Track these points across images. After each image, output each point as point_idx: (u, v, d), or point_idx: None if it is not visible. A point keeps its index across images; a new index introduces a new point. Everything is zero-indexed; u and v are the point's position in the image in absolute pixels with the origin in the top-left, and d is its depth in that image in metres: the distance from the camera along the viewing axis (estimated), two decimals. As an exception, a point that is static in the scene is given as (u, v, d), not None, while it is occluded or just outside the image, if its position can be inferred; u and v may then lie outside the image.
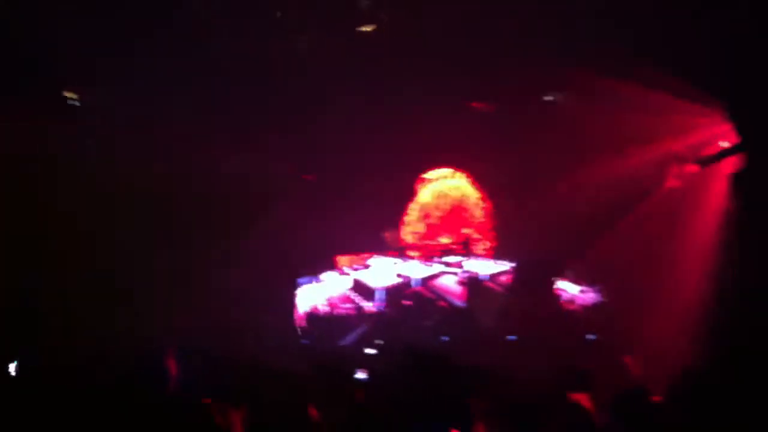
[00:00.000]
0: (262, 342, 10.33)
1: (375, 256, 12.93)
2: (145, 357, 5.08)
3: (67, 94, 10.86)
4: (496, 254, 12.79)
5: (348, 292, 12.39)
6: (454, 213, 13.55)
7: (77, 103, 10.68)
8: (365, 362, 7.89)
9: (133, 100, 10.48)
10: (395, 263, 12.80)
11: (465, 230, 13.32)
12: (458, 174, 13.53)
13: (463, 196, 13.52)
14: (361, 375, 8.90)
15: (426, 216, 13.66)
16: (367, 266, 12.77)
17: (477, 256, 12.89)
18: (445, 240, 13.31)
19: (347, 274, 12.73)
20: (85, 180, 10.43)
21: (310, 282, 12.68)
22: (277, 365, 6.68)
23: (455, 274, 12.20)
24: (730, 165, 9.71)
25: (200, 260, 11.22)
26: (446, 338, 10.24)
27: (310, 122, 11.70)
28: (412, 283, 12.27)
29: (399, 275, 12.49)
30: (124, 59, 9.95)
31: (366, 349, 9.82)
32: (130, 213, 10.53)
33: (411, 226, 13.68)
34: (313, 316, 11.62)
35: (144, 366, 4.82)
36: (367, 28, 9.75)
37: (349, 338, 10.78)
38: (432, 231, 13.59)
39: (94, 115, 10.82)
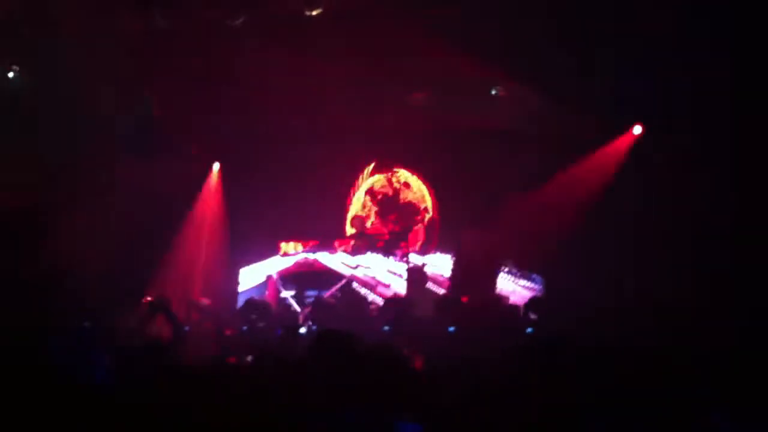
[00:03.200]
0: (202, 328, 10.16)
1: (318, 244, 12.87)
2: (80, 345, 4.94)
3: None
4: (438, 247, 12.84)
5: (289, 280, 12.34)
6: (397, 205, 13.56)
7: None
8: (303, 349, 7.80)
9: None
10: (338, 253, 12.78)
11: (408, 222, 13.34)
12: (402, 168, 13.56)
13: (406, 188, 13.54)
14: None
15: (368, 207, 13.63)
16: (309, 254, 12.72)
17: (419, 248, 12.92)
18: (387, 231, 13.31)
19: (289, 261, 12.67)
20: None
21: (252, 269, 12.61)
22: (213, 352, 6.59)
23: (397, 264, 12.21)
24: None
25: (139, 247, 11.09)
26: (387, 328, 10.20)
27: (250, 110, 11.57)
28: (354, 272, 12.26)
29: (341, 264, 12.49)
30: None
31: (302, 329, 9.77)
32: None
33: (354, 217, 13.65)
34: (251, 302, 11.47)
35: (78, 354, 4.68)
36: (315, 12, 9.58)
37: (286, 326, 10.67)
38: (375, 222, 13.57)
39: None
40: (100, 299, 8.92)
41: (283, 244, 12.91)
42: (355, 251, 12.88)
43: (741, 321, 7.70)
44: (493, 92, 11.55)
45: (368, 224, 13.60)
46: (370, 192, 13.68)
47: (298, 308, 11.45)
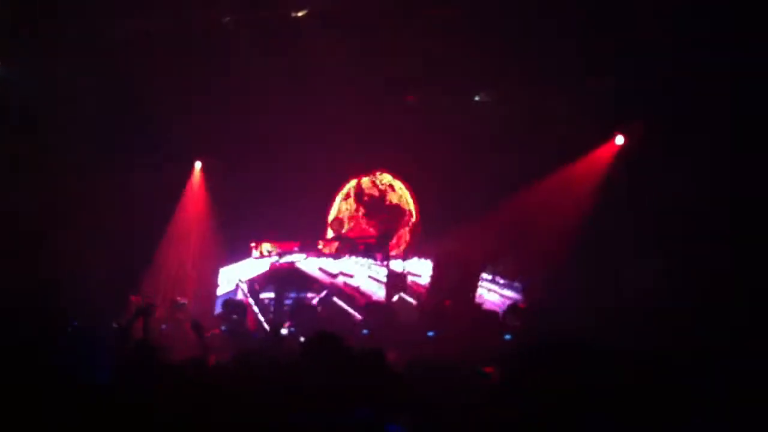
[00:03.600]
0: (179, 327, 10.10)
1: (298, 246, 12.85)
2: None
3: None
4: (418, 251, 12.85)
5: (268, 282, 12.31)
6: (379, 209, 13.57)
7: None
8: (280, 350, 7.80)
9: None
10: (317, 256, 12.78)
11: (388, 227, 13.35)
12: (384, 172, 13.58)
13: (387, 193, 13.55)
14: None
15: (350, 209, 13.63)
16: (288, 256, 12.70)
17: (400, 253, 12.93)
18: (367, 235, 13.31)
19: (269, 262, 12.64)
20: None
21: (232, 269, 12.57)
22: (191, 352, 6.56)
23: (377, 268, 12.22)
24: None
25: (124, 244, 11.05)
26: (366, 332, 10.21)
27: (235, 112, 11.54)
28: (333, 276, 12.26)
29: (320, 269, 12.46)
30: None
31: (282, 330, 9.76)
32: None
33: (333, 219, 13.64)
34: (231, 302, 11.43)
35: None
36: (300, 13, 9.60)
37: (267, 327, 10.64)
38: (355, 226, 13.57)
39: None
40: (97, 300, 8.93)
41: (262, 246, 12.84)
42: (336, 254, 12.88)
43: (736, 321, 7.81)
44: (477, 98, 11.61)
45: (349, 227, 13.60)
46: (353, 194, 13.67)
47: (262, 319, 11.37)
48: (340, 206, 13.69)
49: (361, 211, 13.62)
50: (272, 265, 12.58)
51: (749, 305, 8.28)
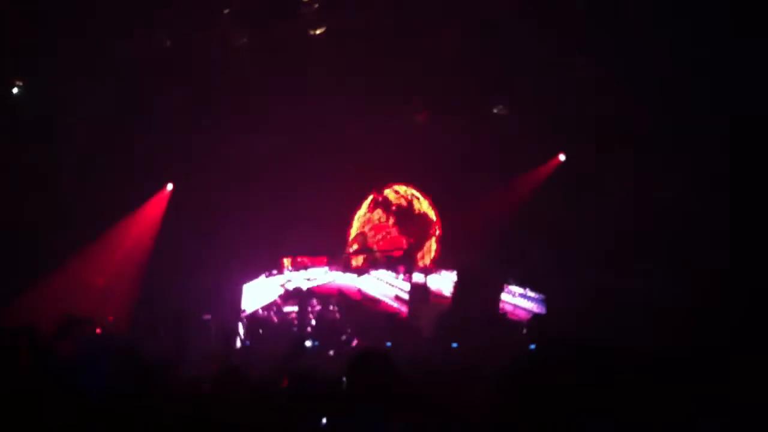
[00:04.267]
0: (206, 343, 10.19)
1: (321, 260, 12.90)
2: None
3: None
4: (440, 263, 12.85)
5: (290, 296, 12.35)
6: (401, 222, 13.59)
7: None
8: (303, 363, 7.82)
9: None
10: (343, 271, 12.82)
11: (410, 239, 13.37)
12: (405, 185, 13.61)
13: (409, 206, 13.57)
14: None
15: (372, 224, 13.67)
16: (310, 271, 12.75)
17: (422, 264, 12.93)
18: (390, 248, 13.33)
19: (291, 277, 12.68)
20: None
21: (255, 284, 12.62)
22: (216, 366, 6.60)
23: (400, 281, 12.23)
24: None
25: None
26: (389, 344, 10.21)
27: (256, 130, 11.67)
28: (358, 288, 12.28)
29: (345, 282, 12.51)
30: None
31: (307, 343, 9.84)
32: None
33: (358, 234, 13.68)
34: (255, 317, 11.52)
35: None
36: (318, 31, 9.71)
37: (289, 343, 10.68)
38: (378, 239, 13.60)
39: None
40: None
41: (285, 261, 12.90)
42: (361, 268, 12.93)
43: (734, 321, 7.77)
44: (495, 111, 11.68)
45: (373, 240, 13.63)
46: (377, 206, 13.73)
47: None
48: (363, 219, 13.73)
49: (387, 222, 13.65)
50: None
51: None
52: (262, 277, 12.63)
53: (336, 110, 11.19)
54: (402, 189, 13.65)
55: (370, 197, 13.75)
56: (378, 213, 13.68)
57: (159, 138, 11.21)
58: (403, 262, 12.53)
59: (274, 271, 12.74)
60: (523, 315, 10.76)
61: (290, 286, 12.42)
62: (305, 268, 12.77)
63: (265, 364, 7.18)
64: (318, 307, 11.99)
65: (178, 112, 10.92)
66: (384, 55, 10.02)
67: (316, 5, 9.63)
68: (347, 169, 12.53)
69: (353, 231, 13.71)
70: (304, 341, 10.03)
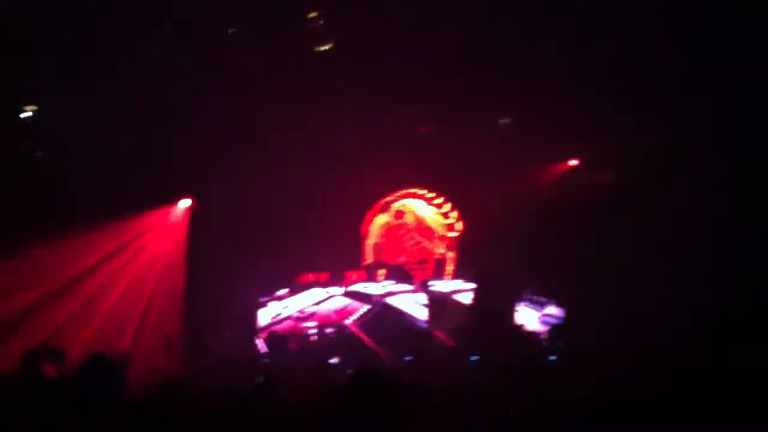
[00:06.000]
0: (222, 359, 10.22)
1: (337, 274, 12.90)
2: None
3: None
4: (458, 275, 12.80)
5: (310, 312, 12.35)
6: (418, 234, 13.57)
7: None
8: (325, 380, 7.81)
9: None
10: (356, 284, 12.80)
11: (428, 251, 13.35)
12: (422, 196, 13.61)
13: (426, 217, 13.56)
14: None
15: (388, 236, 13.67)
16: (328, 286, 12.75)
17: (440, 276, 12.88)
18: (407, 260, 13.32)
19: (309, 293, 12.70)
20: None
21: (272, 300, 12.64)
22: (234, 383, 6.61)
23: (418, 294, 12.18)
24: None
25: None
26: (409, 358, 10.18)
27: (270, 144, 11.74)
28: (374, 303, 12.24)
29: (359, 295, 12.48)
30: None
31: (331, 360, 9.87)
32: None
33: (373, 246, 13.69)
34: (274, 335, 11.53)
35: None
36: (325, 47, 9.77)
37: (310, 360, 10.68)
38: (394, 251, 13.59)
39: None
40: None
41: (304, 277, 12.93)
42: (377, 280, 12.92)
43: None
44: (502, 122, 11.65)
45: (386, 253, 13.62)
46: (391, 220, 13.73)
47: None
48: (380, 231, 13.74)
49: (400, 237, 13.65)
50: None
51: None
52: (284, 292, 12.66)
53: (348, 116, 11.21)
54: (417, 200, 13.65)
55: (388, 207, 13.74)
56: (395, 223, 13.67)
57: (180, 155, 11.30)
58: (421, 273, 12.49)
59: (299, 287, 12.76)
60: (542, 325, 10.69)
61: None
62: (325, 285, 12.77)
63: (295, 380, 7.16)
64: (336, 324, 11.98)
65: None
66: (392, 57, 10.03)
67: (321, 21, 9.68)
68: (361, 178, 12.53)
69: (370, 242, 13.71)
70: (326, 359, 10.10)
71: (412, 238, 13.60)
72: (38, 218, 10.05)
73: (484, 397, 5.14)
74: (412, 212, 13.66)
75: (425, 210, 13.56)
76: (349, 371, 9.94)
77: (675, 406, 3.42)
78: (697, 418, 3.36)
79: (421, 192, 13.61)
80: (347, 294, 12.55)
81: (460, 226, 13.23)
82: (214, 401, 4.63)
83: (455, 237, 13.24)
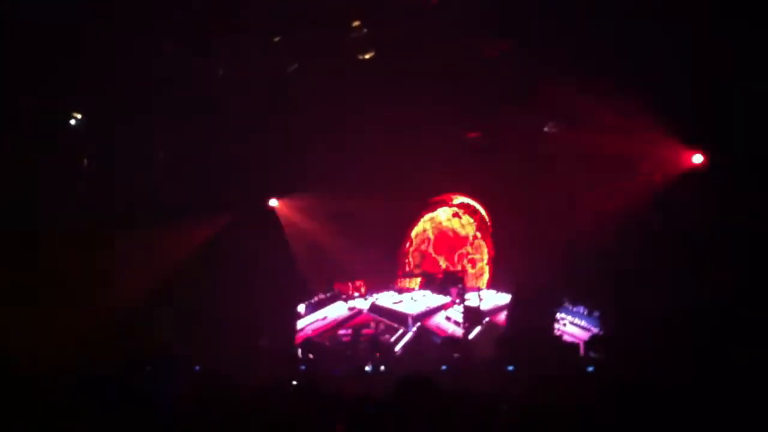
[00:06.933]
0: (259, 366, 10.26)
1: (373, 283, 12.91)
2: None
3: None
4: (495, 285, 12.71)
5: (345, 321, 12.35)
6: (454, 243, 13.53)
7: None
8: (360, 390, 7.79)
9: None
10: (393, 294, 12.79)
11: (465, 261, 13.29)
12: (458, 205, 13.57)
13: (462, 227, 13.51)
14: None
15: (425, 246, 13.64)
16: (365, 296, 12.75)
17: (476, 286, 12.80)
18: (443, 270, 13.26)
19: (346, 302, 12.70)
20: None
21: (310, 308, 12.66)
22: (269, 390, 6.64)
23: (454, 304, 12.12)
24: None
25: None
26: (445, 367, 10.14)
27: (308, 152, 11.83)
28: (410, 312, 12.20)
29: (396, 305, 12.46)
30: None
31: (366, 367, 9.89)
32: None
33: (410, 256, 13.67)
34: (309, 342, 11.55)
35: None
36: (367, 56, 9.85)
37: (345, 367, 10.68)
38: (431, 261, 13.55)
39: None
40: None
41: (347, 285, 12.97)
42: (417, 289, 12.92)
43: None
44: (546, 129, 11.53)
45: (425, 263, 13.58)
46: (429, 228, 13.71)
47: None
48: (416, 242, 13.72)
49: (437, 247, 13.61)
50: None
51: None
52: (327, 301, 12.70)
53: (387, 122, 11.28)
54: (447, 216, 13.63)
55: (424, 220, 13.73)
56: (433, 232, 13.66)
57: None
58: (456, 283, 12.41)
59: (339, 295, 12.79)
60: (580, 335, 10.56)
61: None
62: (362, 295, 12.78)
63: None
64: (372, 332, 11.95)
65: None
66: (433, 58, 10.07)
67: (364, 30, 9.76)
68: (401, 185, 12.54)
69: (411, 249, 13.71)
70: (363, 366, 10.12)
71: (452, 248, 13.55)
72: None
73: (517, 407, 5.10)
74: (453, 223, 13.62)
75: (465, 221, 13.51)
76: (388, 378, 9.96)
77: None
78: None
79: (458, 200, 13.56)
80: (380, 310, 12.48)
81: (487, 236, 13.18)
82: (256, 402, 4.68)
83: (492, 246, 13.17)
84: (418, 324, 11.86)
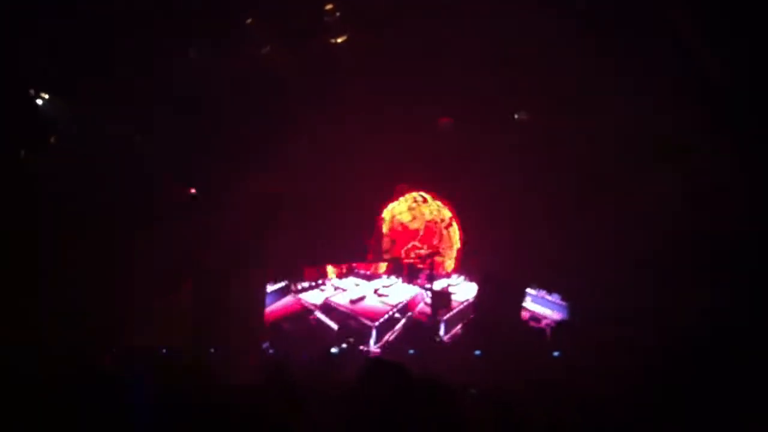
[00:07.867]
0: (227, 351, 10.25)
1: (344, 267, 12.93)
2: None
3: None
4: (463, 271, 12.81)
5: (315, 306, 12.37)
6: (423, 229, 13.58)
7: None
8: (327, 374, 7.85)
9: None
10: (359, 280, 12.83)
11: (433, 247, 13.35)
12: (427, 193, 13.61)
13: (431, 213, 13.56)
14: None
15: (394, 232, 13.68)
16: (331, 281, 12.78)
17: (444, 272, 12.89)
18: (412, 255, 13.32)
19: (315, 286, 12.72)
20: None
21: (279, 293, 12.65)
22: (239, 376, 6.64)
23: (422, 289, 12.20)
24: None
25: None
26: (413, 351, 10.22)
27: (282, 140, 11.75)
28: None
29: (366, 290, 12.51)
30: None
31: (333, 349, 9.91)
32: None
33: (384, 238, 13.69)
34: (278, 326, 11.56)
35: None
36: (339, 40, 9.80)
37: (312, 351, 10.73)
38: (400, 247, 13.60)
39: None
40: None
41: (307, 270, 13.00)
42: (386, 274, 12.95)
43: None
44: (516, 117, 11.56)
45: (392, 248, 13.63)
46: (397, 218, 13.74)
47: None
48: (385, 229, 13.75)
49: (406, 233, 13.65)
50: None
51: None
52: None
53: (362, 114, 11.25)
54: (416, 203, 13.66)
55: (393, 206, 13.75)
56: (396, 221, 13.68)
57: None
58: (424, 268, 12.47)
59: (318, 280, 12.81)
60: (548, 324, 10.71)
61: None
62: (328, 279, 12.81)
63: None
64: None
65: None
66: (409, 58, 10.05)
67: (338, 14, 9.70)
68: (371, 172, 12.51)
69: (381, 235, 13.73)
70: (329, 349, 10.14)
71: (421, 234, 13.60)
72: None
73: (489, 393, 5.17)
74: (422, 209, 13.66)
75: (433, 207, 13.56)
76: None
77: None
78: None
79: (425, 188, 13.60)
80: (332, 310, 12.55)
81: (455, 222, 13.26)
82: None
83: (457, 233, 13.25)
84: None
